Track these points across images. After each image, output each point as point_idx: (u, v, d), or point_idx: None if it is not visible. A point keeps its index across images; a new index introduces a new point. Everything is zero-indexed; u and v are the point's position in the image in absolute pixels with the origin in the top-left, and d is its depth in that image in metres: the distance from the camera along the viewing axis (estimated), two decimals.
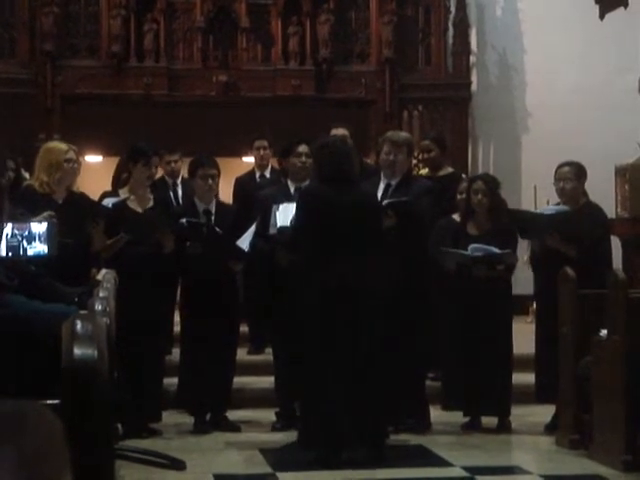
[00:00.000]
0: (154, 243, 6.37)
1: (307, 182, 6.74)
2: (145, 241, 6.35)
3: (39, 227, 4.99)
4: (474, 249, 6.49)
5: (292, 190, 6.76)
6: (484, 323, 6.51)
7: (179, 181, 8.41)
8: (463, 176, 8.06)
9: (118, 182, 6.87)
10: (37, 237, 4.91)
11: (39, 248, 4.88)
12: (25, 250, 4.87)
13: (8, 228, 4.71)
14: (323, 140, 6.16)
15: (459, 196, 7.01)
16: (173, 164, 8.46)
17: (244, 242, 6.45)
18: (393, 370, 6.09)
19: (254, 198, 7.06)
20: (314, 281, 5.68)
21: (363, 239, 5.74)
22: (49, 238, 4.92)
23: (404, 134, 7.18)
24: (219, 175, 6.76)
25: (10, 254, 4.66)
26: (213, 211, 6.72)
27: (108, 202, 6.36)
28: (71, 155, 6.21)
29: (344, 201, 5.74)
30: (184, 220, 6.48)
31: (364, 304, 5.65)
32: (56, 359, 1.57)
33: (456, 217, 6.94)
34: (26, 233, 4.90)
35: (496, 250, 6.50)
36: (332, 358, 5.61)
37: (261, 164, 8.53)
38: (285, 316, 6.49)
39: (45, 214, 5.71)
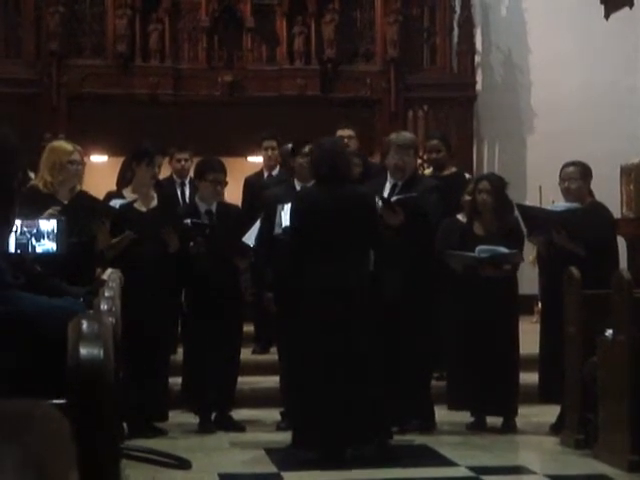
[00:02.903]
0: (159, 242, 6.38)
1: (313, 181, 6.76)
2: (150, 240, 6.36)
3: (48, 225, 4.98)
4: (481, 251, 6.49)
5: (298, 190, 6.77)
6: (490, 323, 6.50)
7: (187, 181, 8.38)
8: (467, 176, 8.04)
9: (122, 182, 6.88)
10: (46, 235, 4.90)
11: (48, 246, 4.88)
12: (34, 248, 4.87)
13: (17, 225, 4.71)
14: (318, 140, 6.17)
15: (467, 197, 7.00)
16: (183, 162, 8.43)
17: (250, 238, 6.46)
18: (397, 370, 6.10)
19: (260, 197, 7.08)
20: (309, 281, 5.69)
21: (358, 238, 5.74)
22: (58, 236, 4.91)
23: (409, 135, 7.18)
24: (226, 181, 6.80)
25: (19, 251, 4.66)
26: (214, 211, 6.73)
27: (115, 203, 6.36)
28: (76, 156, 6.19)
29: (338, 201, 5.74)
30: (188, 221, 6.50)
31: (359, 303, 5.66)
32: (63, 357, 1.57)
33: (460, 217, 6.94)
34: (35, 231, 4.89)
35: (504, 250, 6.50)
36: (328, 358, 5.61)
37: (269, 164, 8.54)
38: (291, 315, 6.51)
39: (51, 210, 5.71)
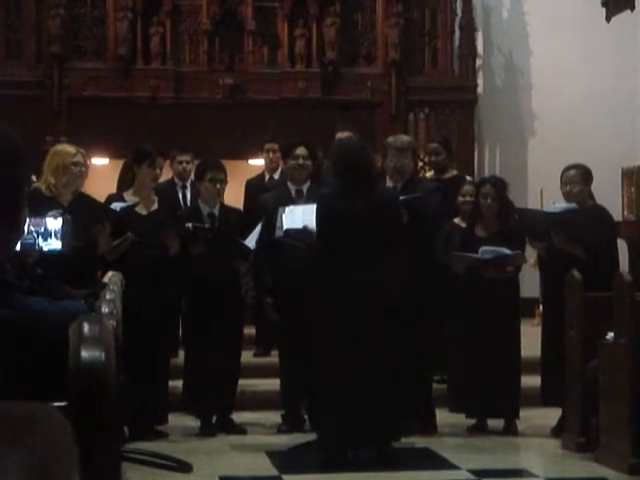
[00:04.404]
0: (159, 245, 6.38)
1: (307, 184, 6.77)
2: (150, 243, 6.36)
3: (55, 224, 4.99)
4: (484, 252, 6.50)
5: (293, 192, 6.78)
6: (491, 325, 6.50)
7: (188, 183, 8.36)
8: (468, 178, 8.05)
9: (123, 184, 6.87)
10: (53, 234, 4.91)
11: (55, 245, 4.88)
12: (40, 247, 4.87)
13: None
14: (340, 141, 6.18)
15: (461, 198, 7.02)
16: (185, 164, 8.41)
17: (251, 241, 6.46)
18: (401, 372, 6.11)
19: (256, 201, 7.11)
20: (331, 283, 5.69)
21: (381, 240, 5.75)
22: (63, 235, 4.92)
23: (406, 138, 7.19)
24: (226, 179, 6.78)
25: (24, 249, 4.66)
26: (217, 214, 6.73)
27: (116, 206, 6.36)
28: (79, 158, 6.20)
29: (360, 203, 5.76)
30: (190, 225, 6.50)
31: (381, 305, 5.66)
32: (64, 359, 1.57)
33: (458, 221, 6.95)
34: (42, 229, 4.90)
35: (507, 251, 6.50)
36: (348, 360, 5.62)
37: (271, 167, 8.54)
38: (292, 318, 6.52)
39: (51, 212, 5.71)
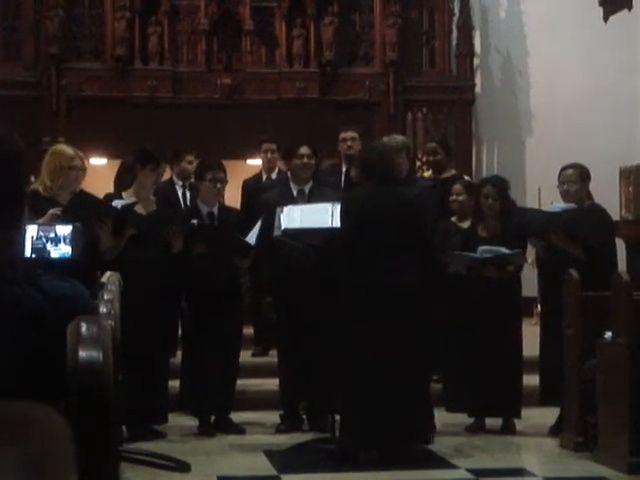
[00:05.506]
0: (159, 245, 6.37)
1: (310, 184, 6.78)
2: (149, 243, 6.35)
3: (65, 229, 5.00)
4: (483, 251, 6.50)
5: (295, 192, 6.78)
6: (494, 324, 6.49)
7: (188, 183, 8.33)
8: (466, 178, 8.05)
9: (120, 185, 6.85)
10: (63, 239, 4.92)
11: (64, 250, 4.89)
12: (49, 252, 4.89)
13: (33, 230, 4.72)
14: (369, 143, 6.24)
15: (454, 197, 7.00)
16: (194, 164, 8.38)
17: (251, 238, 6.48)
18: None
19: (257, 201, 7.10)
20: (358, 281, 5.71)
21: (406, 239, 5.78)
22: (73, 241, 4.92)
23: (400, 138, 7.20)
24: (226, 179, 6.78)
25: (34, 256, 4.67)
26: (216, 214, 6.73)
27: (117, 204, 6.35)
28: (76, 162, 6.15)
29: (387, 203, 5.79)
30: (195, 221, 6.52)
31: (408, 303, 5.68)
32: (63, 356, 1.57)
33: (454, 219, 6.95)
34: (52, 235, 4.91)
35: (505, 251, 6.51)
36: (376, 357, 5.63)
37: (268, 167, 8.53)
38: (290, 318, 6.52)
39: (52, 211, 5.70)
